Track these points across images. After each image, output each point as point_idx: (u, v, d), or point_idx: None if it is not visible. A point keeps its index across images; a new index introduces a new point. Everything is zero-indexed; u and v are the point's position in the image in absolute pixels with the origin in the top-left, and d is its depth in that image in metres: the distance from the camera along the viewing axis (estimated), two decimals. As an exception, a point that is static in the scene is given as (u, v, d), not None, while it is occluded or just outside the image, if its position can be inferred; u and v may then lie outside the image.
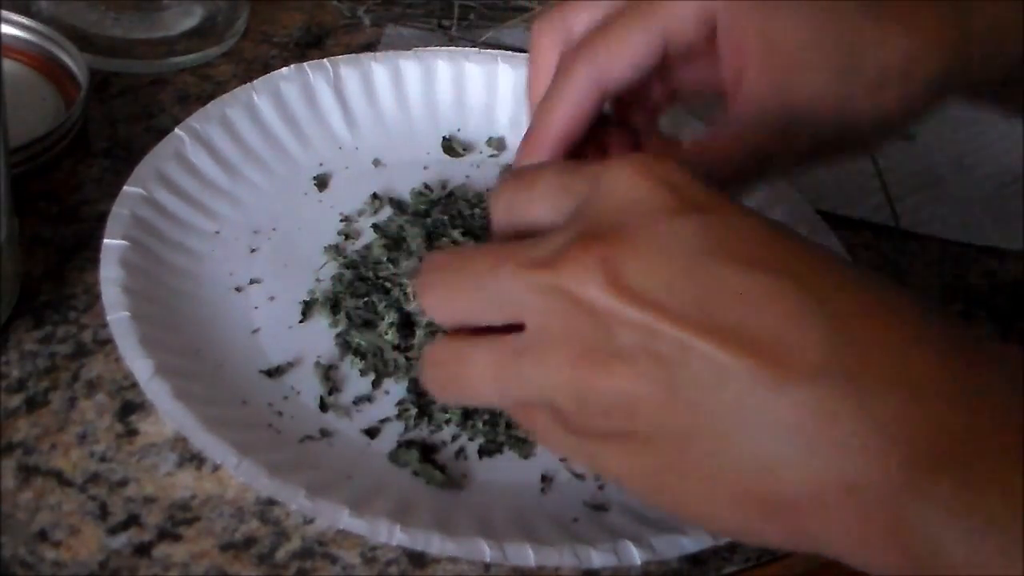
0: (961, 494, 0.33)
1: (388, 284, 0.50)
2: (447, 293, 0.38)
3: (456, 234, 0.51)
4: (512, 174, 0.41)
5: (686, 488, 0.35)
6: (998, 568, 0.32)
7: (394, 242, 0.51)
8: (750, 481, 0.34)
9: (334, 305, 0.49)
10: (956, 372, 0.34)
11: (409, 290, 0.49)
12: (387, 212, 0.54)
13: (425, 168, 0.56)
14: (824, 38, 0.43)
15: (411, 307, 0.48)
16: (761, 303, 0.34)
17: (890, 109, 0.44)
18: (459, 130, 0.57)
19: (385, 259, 0.51)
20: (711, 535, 0.42)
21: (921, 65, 0.44)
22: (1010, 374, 0.35)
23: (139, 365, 0.44)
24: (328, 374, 0.48)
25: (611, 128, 0.47)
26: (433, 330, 0.48)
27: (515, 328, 0.36)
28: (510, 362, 0.36)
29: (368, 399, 0.47)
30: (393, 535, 0.41)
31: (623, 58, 0.43)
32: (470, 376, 0.37)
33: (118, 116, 0.57)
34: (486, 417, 0.47)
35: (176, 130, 0.52)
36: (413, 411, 0.47)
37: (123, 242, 0.48)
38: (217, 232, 0.52)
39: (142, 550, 0.42)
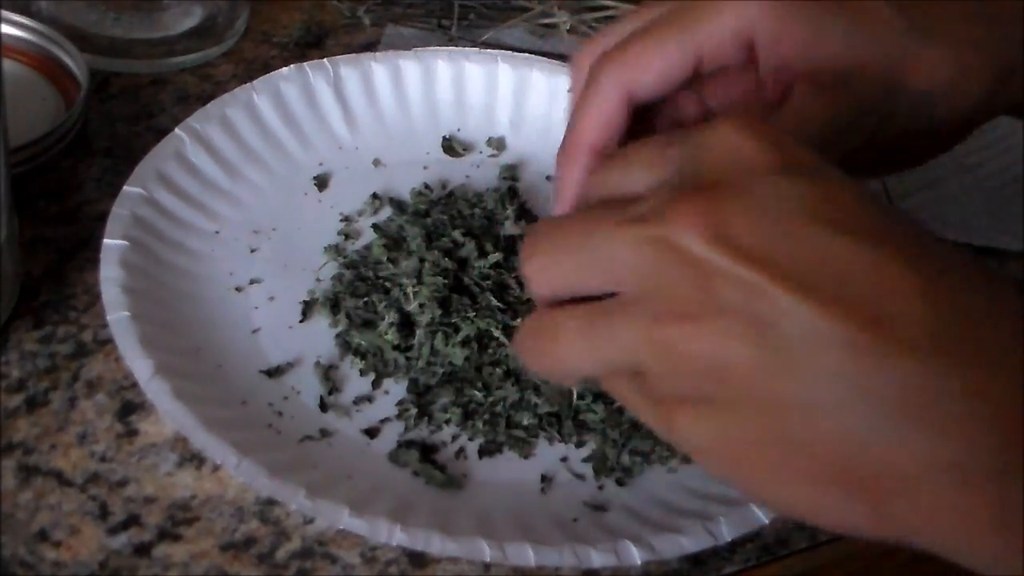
0: None
1: (388, 284, 0.50)
2: (547, 258, 0.37)
3: (456, 234, 0.51)
4: (606, 156, 0.41)
5: (767, 460, 0.34)
6: None
7: (394, 242, 0.51)
8: (841, 455, 0.33)
9: (334, 305, 0.49)
10: None
11: (409, 290, 0.49)
12: (387, 212, 0.54)
13: (425, 168, 0.56)
14: (871, 59, 0.43)
15: (411, 307, 0.48)
16: (866, 272, 0.33)
17: (937, 127, 0.44)
18: (459, 130, 0.57)
19: (385, 259, 0.51)
20: (713, 536, 0.42)
21: (968, 83, 0.44)
22: None
23: (139, 365, 0.44)
24: (328, 374, 0.48)
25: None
26: (433, 330, 0.48)
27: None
28: (601, 322, 0.36)
29: (368, 399, 0.47)
30: (393, 535, 0.41)
31: (652, 67, 0.43)
32: (563, 342, 0.37)
33: (118, 116, 0.57)
34: (486, 417, 0.47)
35: (176, 130, 0.52)
36: (413, 411, 0.47)
37: (123, 242, 0.48)
38: (217, 232, 0.52)
39: (142, 550, 0.42)
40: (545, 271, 0.38)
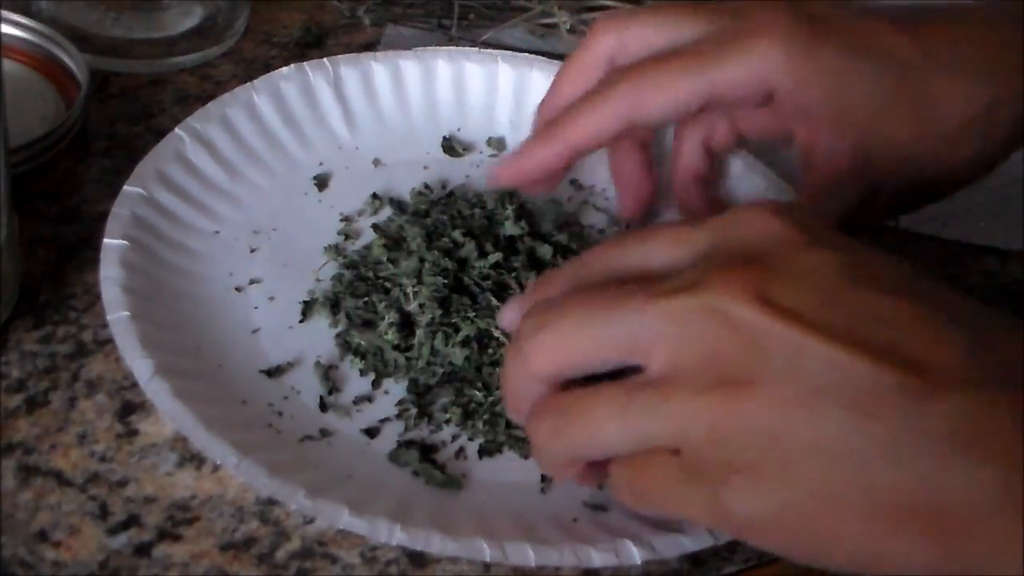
0: None
1: (388, 284, 0.50)
2: (560, 333, 0.37)
3: (456, 234, 0.51)
4: (620, 233, 0.42)
5: (828, 518, 0.34)
6: None
7: (394, 242, 0.51)
8: (905, 499, 0.34)
9: (334, 305, 0.49)
10: None
11: (409, 290, 0.49)
12: (387, 212, 0.54)
13: (425, 168, 0.56)
14: (900, 99, 0.44)
15: (411, 307, 0.48)
16: (906, 324, 0.34)
17: (972, 158, 0.45)
18: (459, 130, 0.57)
19: (385, 259, 0.50)
20: (713, 536, 0.42)
21: (1001, 113, 0.45)
22: None
23: (139, 365, 0.44)
24: (328, 374, 0.48)
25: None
26: (433, 330, 0.48)
27: (630, 373, 0.36)
28: (641, 396, 0.36)
29: (368, 399, 0.47)
30: (393, 535, 0.41)
31: (659, 101, 0.44)
32: (594, 418, 0.37)
33: (118, 116, 0.57)
34: (486, 417, 0.47)
35: (176, 130, 0.52)
36: (413, 411, 0.47)
37: (123, 242, 0.48)
38: (217, 232, 0.52)
39: (142, 550, 0.42)
40: (557, 345, 0.37)
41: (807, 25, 0.43)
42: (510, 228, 0.51)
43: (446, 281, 0.48)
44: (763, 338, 0.34)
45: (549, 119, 0.48)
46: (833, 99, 0.44)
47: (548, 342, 0.38)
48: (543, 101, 0.50)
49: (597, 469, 0.39)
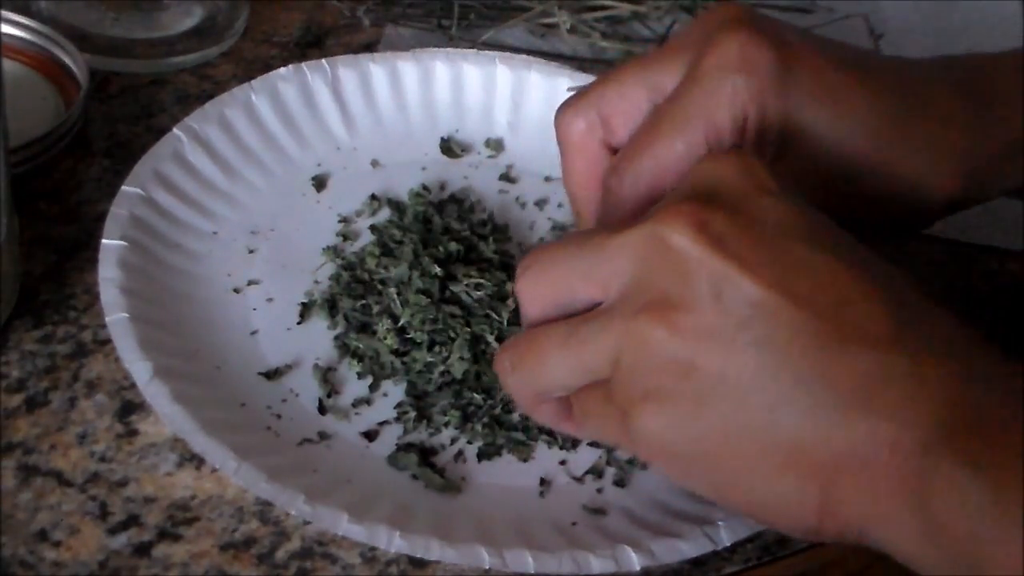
0: (988, 458, 0.34)
1: (380, 287, 0.50)
2: (540, 274, 0.40)
3: (452, 246, 0.51)
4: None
5: (731, 453, 0.36)
6: (1000, 540, 0.33)
7: (386, 248, 0.51)
8: (798, 441, 0.35)
9: (332, 307, 0.49)
10: (997, 361, 0.36)
11: (396, 299, 0.49)
12: (385, 213, 0.54)
13: (423, 169, 0.56)
14: (846, 149, 0.44)
15: (403, 318, 0.48)
16: (835, 279, 0.36)
17: (901, 214, 0.46)
18: (457, 131, 0.57)
19: (375, 265, 0.50)
20: (713, 541, 0.42)
21: (936, 178, 0.45)
22: None
23: (138, 367, 0.44)
24: (327, 376, 0.48)
25: None
26: (428, 342, 0.48)
27: None
28: (581, 324, 0.38)
29: (367, 402, 0.47)
30: (392, 542, 0.41)
31: (672, 173, 0.44)
32: (541, 349, 0.39)
33: (118, 116, 0.57)
34: (485, 420, 0.47)
35: (174, 130, 0.52)
36: (412, 414, 0.47)
37: (121, 243, 0.48)
38: (215, 233, 0.52)
39: (142, 550, 0.42)
40: (537, 287, 0.40)
41: (777, 52, 0.43)
42: (488, 253, 0.51)
43: (430, 298, 0.48)
44: (694, 267, 0.36)
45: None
46: (791, 126, 0.44)
47: (529, 283, 0.40)
48: (580, 223, 0.48)
49: (567, 413, 0.41)
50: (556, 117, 0.46)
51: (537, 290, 0.40)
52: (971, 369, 0.35)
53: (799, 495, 0.36)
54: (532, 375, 0.40)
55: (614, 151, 0.46)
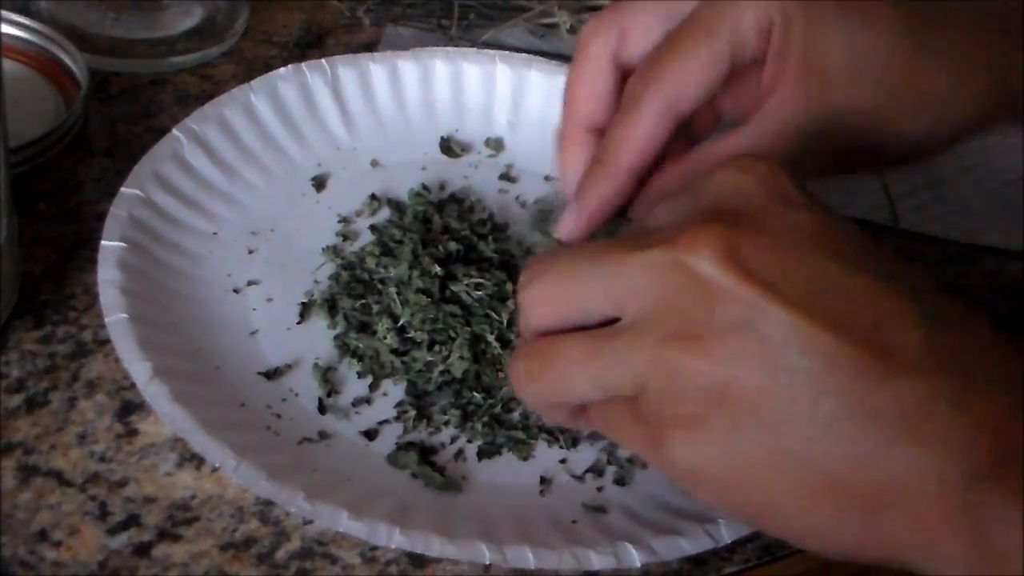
0: None
1: (380, 287, 0.50)
2: (552, 285, 0.39)
3: (452, 245, 0.51)
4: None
5: (761, 480, 0.35)
6: None
7: (386, 248, 0.51)
8: (837, 470, 0.34)
9: (331, 306, 0.49)
10: None
11: (396, 298, 0.49)
12: (385, 213, 0.54)
13: (423, 169, 0.56)
14: (870, 62, 0.43)
15: (403, 318, 0.48)
16: (868, 300, 0.35)
17: (924, 132, 0.45)
18: (457, 131, 0.57)
19: (375, 265, 0.50)
20: (713, 538, 0.42)
21: (961, 96, 0.44)
22: None
23: (137, 367, 0.44)
24: (326, 376, 0.48)
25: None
26: (428, 342, 0.48)
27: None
28: (607, 344, 0.37)
29: (367, 401, 0.47)
30: (392, 538, 0.41)
31: (693, 81, 0.43)
32: (564, 365, 0.38)
33: (118, 116, 0.57)
34: (485, 419, 0.47)
35: (174, 131, 0.52)
36: (412, 413, 0.47)
37: (121, 244, 0.48)
38: (215, 233, 0.52)
39: (142, 550, 0.42)
40: (547, 297, 0.39)
41: None
42: (488, 252, 0.51)
43: (430, 298, 0.48)
44: (724, 296, 0.35)
45: (585, 143, 0.47)
46: (807, 45, 0.43)
47: (538, 293, 0.39)
48: (563, 127, 0.48)
49: (582, 413, 0.40)
50: (581, 31, 0.46)
51: (547, 302, 0.39)
52: (1013, 393, 0.34)
53: (838, 524, 0.35)
54: (551, 388, 0.39)
55: (623, 76, 0.45)
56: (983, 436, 0.34)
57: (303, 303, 0.50)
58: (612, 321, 0.37)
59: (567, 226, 0.46)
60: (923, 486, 0.34)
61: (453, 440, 0.47)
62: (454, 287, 0.49)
